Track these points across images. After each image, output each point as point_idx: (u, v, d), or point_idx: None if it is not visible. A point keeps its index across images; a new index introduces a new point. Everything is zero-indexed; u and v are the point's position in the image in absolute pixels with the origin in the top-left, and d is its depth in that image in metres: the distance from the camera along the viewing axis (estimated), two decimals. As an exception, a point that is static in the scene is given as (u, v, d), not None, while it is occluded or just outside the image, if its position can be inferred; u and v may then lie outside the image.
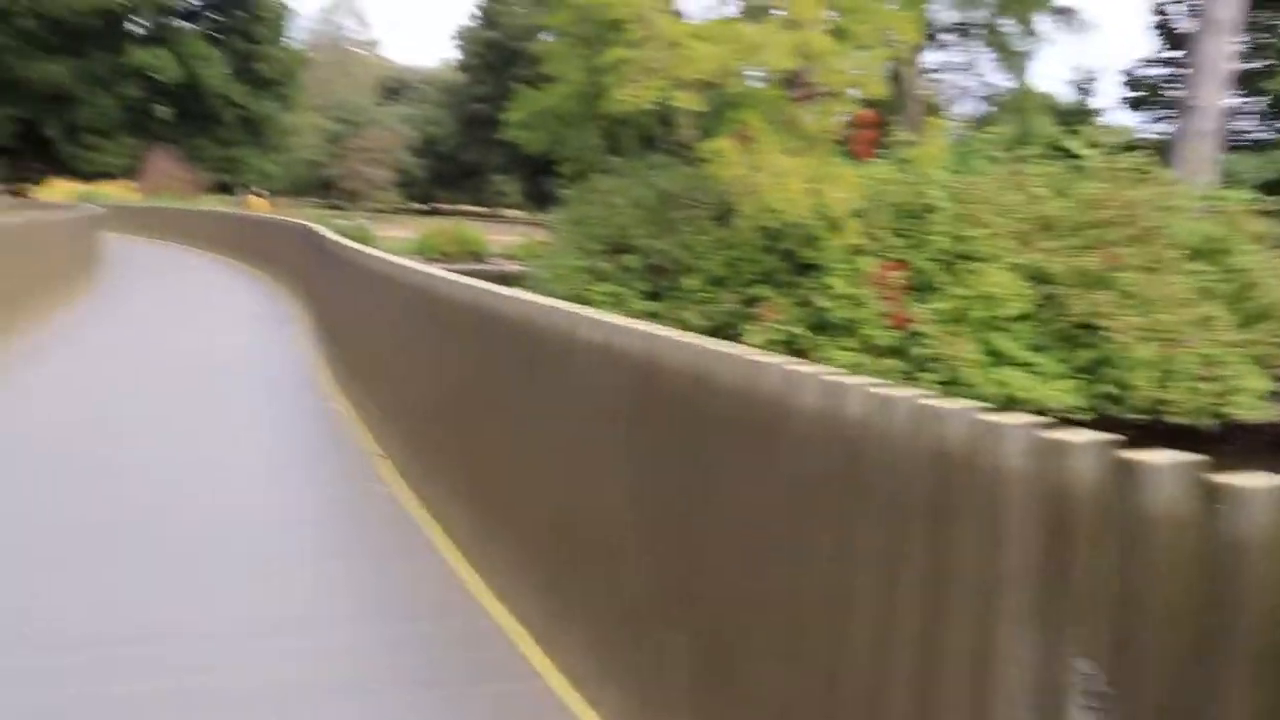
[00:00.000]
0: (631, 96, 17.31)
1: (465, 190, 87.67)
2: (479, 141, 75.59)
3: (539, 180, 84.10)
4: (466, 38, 77.76)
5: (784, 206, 17.17)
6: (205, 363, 11.82)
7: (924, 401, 2.17)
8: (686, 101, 17.49)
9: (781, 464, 2.58)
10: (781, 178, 17.09)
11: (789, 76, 18.81)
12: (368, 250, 9.04)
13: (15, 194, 57.11)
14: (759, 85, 19.45)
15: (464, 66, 79.03)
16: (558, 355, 4.01)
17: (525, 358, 4.40)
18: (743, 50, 17.82)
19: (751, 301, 19.75)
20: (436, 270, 6.81)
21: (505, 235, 57.70)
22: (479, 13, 77.80)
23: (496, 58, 73.65)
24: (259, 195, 51.88)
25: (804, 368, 2.53)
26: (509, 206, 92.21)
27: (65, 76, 59.05)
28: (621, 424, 3.45)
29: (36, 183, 58.85)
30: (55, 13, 58.11)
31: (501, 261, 49.43)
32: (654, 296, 21.17)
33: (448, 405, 5.78)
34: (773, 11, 19.39)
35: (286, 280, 19.26)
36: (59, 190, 50.01)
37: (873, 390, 2.32)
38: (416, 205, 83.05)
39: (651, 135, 26.25)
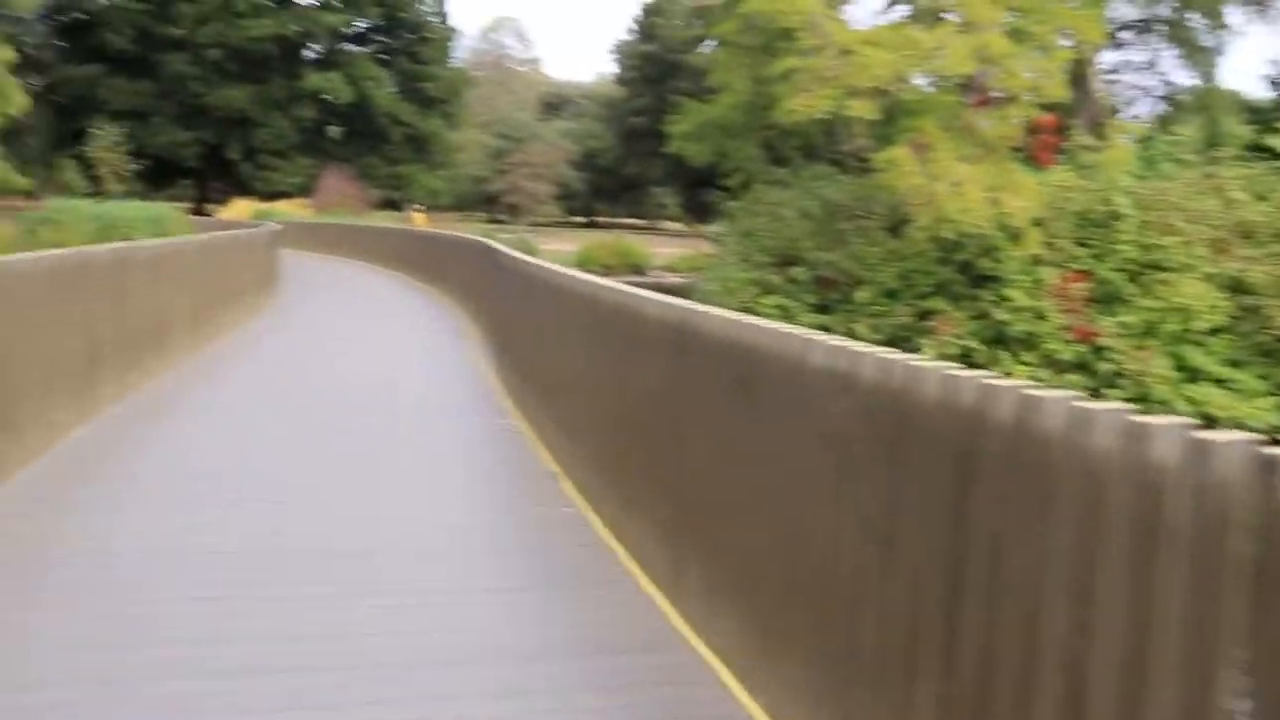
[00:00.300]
0: (803, 106, 16.99)
1: (624, 203, 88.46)
2: (638, 155, 76.16)
3: (698, 193, 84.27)
4: (624, 52, 78.50)
5: (961, 216, 16.62)
6: (381, 376, 11.97)
7: (1260, 449, 1.87)
8: (860, 110, 17.07)
9: (1064, 506, 2.29)
10: (959, 186, 16.54)
11: (965, 81, 18.22)
12: (547, 265, 8.99)
13: (198, 213, 59.97)
14: (933, 91, 18.91)
15: (622, 80, 79.80)
16: (777, 376, 3.78)
17: (735, 377, 4.18)
18: (918, 56, 17.33)
19: (925, 315, 19.19)
20: (627, 286, 6.67)
21: (665, 248, 57.89)
22: (636, 27, 78.45)
23: (655, 71, 74.11)
24: (418, 210, 53.18)
25: (1095, 405, 2.25)
26: (668, 219, 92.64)
27: (246, 102, 61.78)
28: (856, 452, 3.20)
29: (219, 202, 61.71)
30: (238, 43, 60.88)
31: (663, 274, 49.58)
32: (823, 309, 20.77)
33: (637, 425, 5.60)
34: (946, 15, 18.82)
35: (456, 294, 19.50)
36: (239, 209, 52.22)
37: (1186, 434, 2.02)
38: (575, 219, 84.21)
39: (815, 145, 25.82)
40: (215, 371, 11.43)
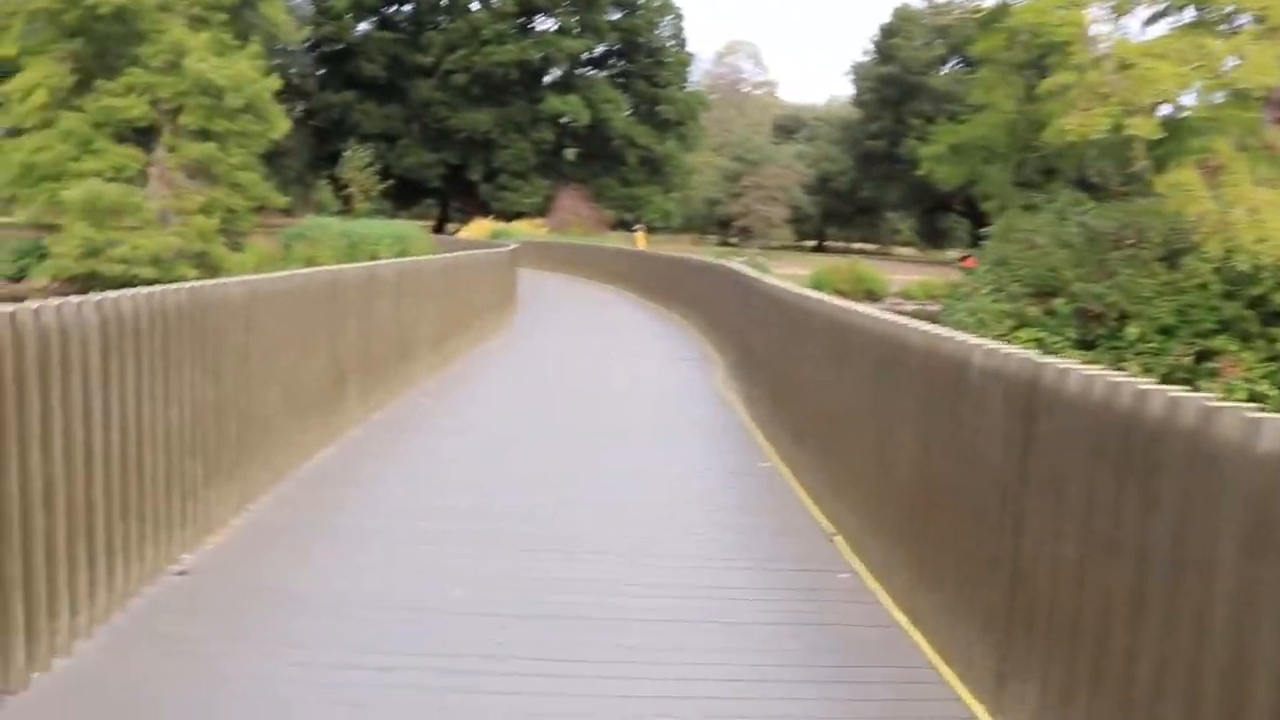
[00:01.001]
0: (1078, 126, 15.61)
1: (857, 227, 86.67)
2: (873, 178, 74.44)
3: (935, 217, 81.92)
4: (861, 74, 76.90)
5: (1258, 246, 14.86)
6: (626, 401, 11.39)
7: None
8: (1141, 129, 15.55)
9: None
10: (1256, 213, 14.79)
11: (1266, 94, 16.38)
12: (816, 295, 8.18)
13: (439, 231, 61.97)
14: (1226, 106, 17.10)
15: (859, 102, 78.18)
16: (1179, 453, 2.86)
17: (1110, 450, 3.25)
18: (1208, 67, 15.66)
19: (1206, 354, 17.39)
20: (917, 322, 5.80)
21: (900, 274, 56.00)
22: (874, 48, 76.73)
23: (893, 93, 72.29)
24: (639, 230, 53.32)
25: None
26: (900, 244, 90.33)
27: (488, 124, 63.54)
28: None
29: (460, 221, 63.65)
30: (482, 68, 62.71)
31: (900, 301, 47.89)
32: (1086, 345, 19.19)
33: (946, 490, 4.70)
34: (1239, 20, 17.00)
35: (696, 318, 18.85)
36: (477, 228, 53.54)
37: None
38: (805, 242, 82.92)
39: (1062, 170, 24.15)
40: (455, 394, 11.08)
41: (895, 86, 71.90)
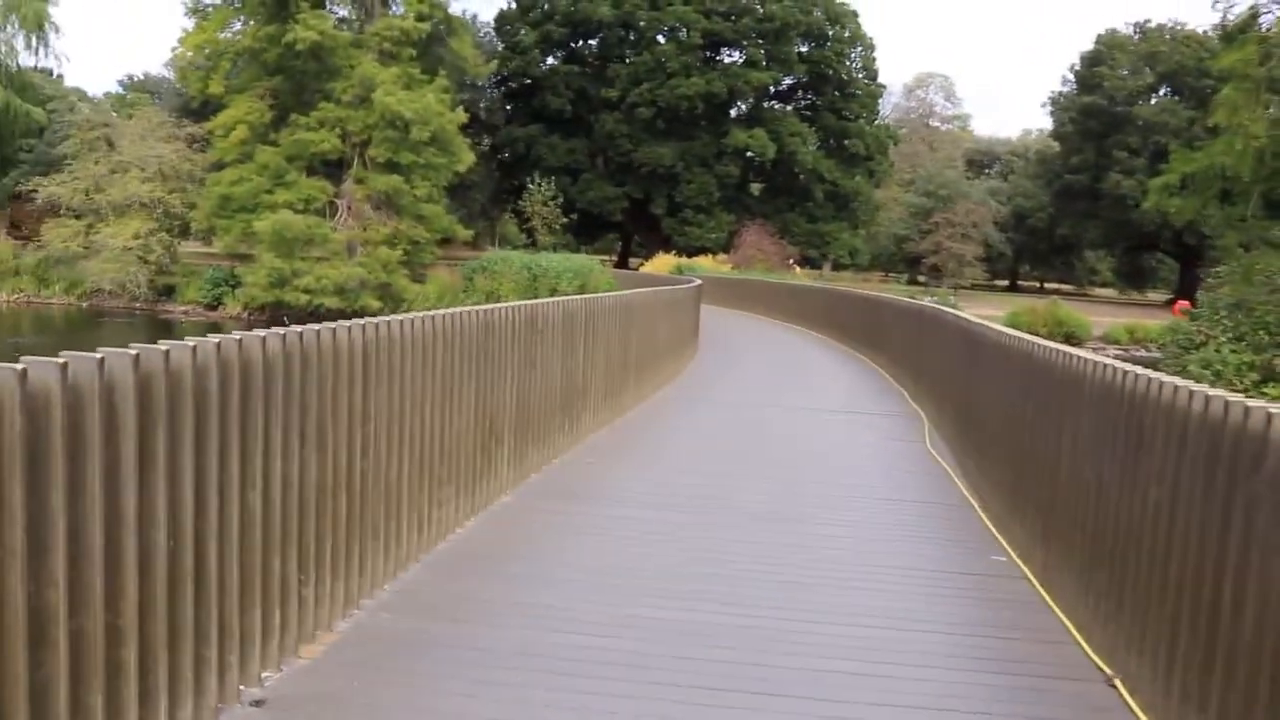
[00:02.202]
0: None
1: (1052, 266, 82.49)
2: (1072, 214, 70.63)
3: (1137, 256, 77.21)
4: (1061, 105, 73.15)
5: None
6: (821, 467, 9.79)
7: None
8: None
9: None
10: None
11: None
12: (1053, 345, 6.52)
13: (621, 265, 61.39)
14: None
15: (1058, 135, 74.36)
16: None
17: None
18: None
19: None
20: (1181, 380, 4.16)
21: (1100, 315, 52.48)
22: (1074, 78, 72.92)
23: (1095, 124, 68.41)
24: (795, 265, 51.61)
25: None
26: (1098, 285, 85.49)
27: (672, 158, 62.76)
28: None
29: (642, 255, 63.00)
30: (667, 101, 62.04)
31: (1104, 346, 44.63)
32: (1348, 403, 16.51)
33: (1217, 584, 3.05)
34: None
35: (900, 369, 17.08)
36: (660, 263, 52.66)
37: None
38: (998, 282, 79.25)
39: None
40: (621, 462, 9.62)
41: (1098, 118, 68.02)
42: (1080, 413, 5.62)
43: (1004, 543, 7.09)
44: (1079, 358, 5.67)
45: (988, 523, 7.63)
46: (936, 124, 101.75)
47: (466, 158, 45.01)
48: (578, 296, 10.16)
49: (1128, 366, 4.98)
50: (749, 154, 64.26)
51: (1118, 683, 4.77)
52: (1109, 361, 5.25)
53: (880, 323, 19.62)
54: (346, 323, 5.06)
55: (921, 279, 64.66)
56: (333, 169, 43.84)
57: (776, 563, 6.45)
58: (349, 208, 43.30)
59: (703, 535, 7.06)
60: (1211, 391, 4.03)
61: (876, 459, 10.38)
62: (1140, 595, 4.63)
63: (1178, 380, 4.43)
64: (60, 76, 72.54)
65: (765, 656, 4.94)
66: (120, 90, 76.89)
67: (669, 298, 15.83)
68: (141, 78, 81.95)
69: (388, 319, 5.51)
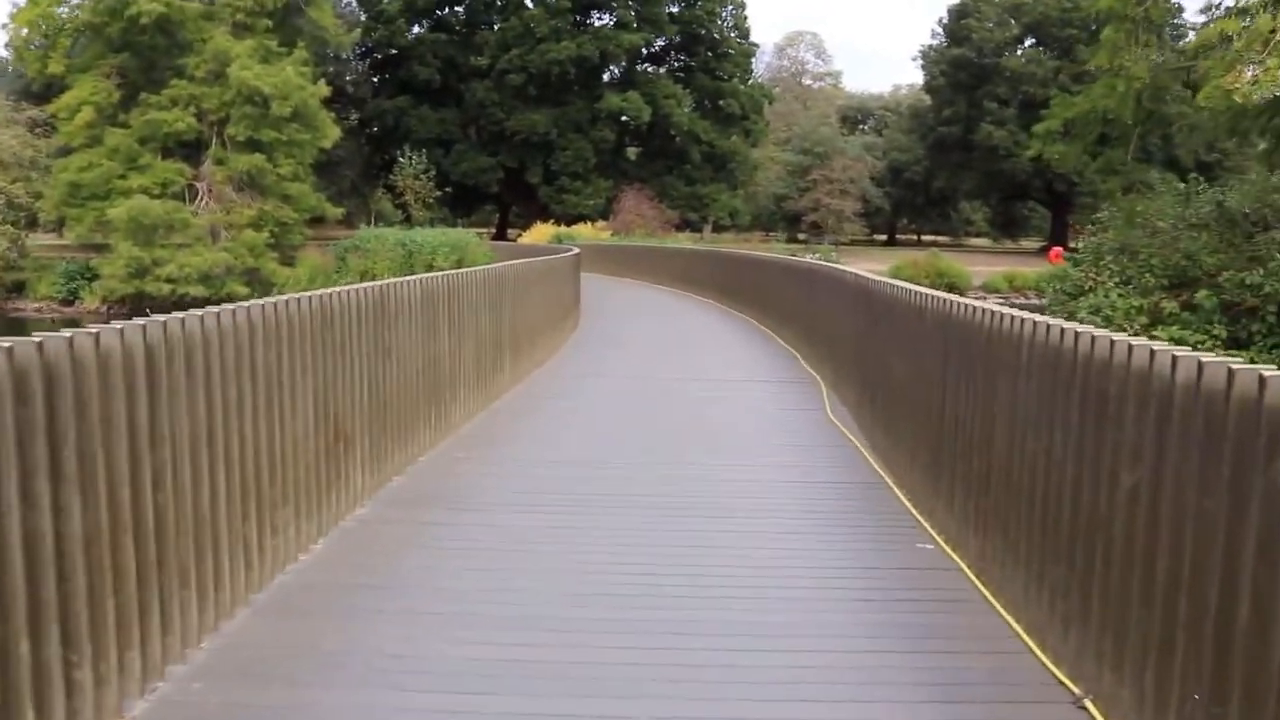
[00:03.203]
0: (1241, 86, 12.94)
1: (929, 219, 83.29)
2: (947, 166, 71.24)
3: (1010, 206, 78.34)
4: (931, 58, 73.52)
5: None
6: (715, 446, 8.94)
7: None
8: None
9: None
10: None
11: None
12: (977, 304, 5.77)
13: (500, 237, 60.02)
14: None
15: (930, 89, 74.82)
16: None
17: None
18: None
19: (1399, 350, 14.65)
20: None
21: (978, 265, 52.88)
22: (943, 31, 73.35)
23: (966, 77, 68.92)
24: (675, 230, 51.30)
25: None
26: (974, 235, 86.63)
27: (546, 125, 61.36)
28: None
29: (520, 226, 61.62)
30: (538, 67, 60.54)
31: (984, 295, 44.86)
32: (1239, 344, 16.47)
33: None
34: None
35: (790, 331, 16.37)
36: (538, 233, 51.47)
37: None
38: (877, 236, 79.71)
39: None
40: (494, 454, 8.63)
41: (967, 70, 68.53)
42: (1018, 378, 4.84)
43: (928, 527, 6.31)
44: (1013, 317, 4.88)
45: (907, 504, 6.85)
46: (809, 82, 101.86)
47: (331, 133, 43.17)
48: (437, 273, 9.09)
49: (1079, 327, 4.18)
50: (624, 118, 63.21)
51: (1089, 704, 4.00)
52: (1054, 321, 4.46)
53: (766, 283, 18.88)
54: (121, 324, 4.00)
55: (802, 237, 64.53)
56: (190, 150, 41.61)
57: (669, 573, 5.55)
58: (210, 190, 41.20)
59: (584, 541, 6.13)
60: (1207, 357, 3.24)
61: (776, 433, 9.54)
62: (1115, 596, 3.85)
63: (1149, 342, 3.64)
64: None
65: (661, 705, 4.05)
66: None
67: (544, 268, 14.82)
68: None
69: (182, 315, 4.45)
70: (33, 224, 43.61)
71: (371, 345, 6.96)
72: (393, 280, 7.60)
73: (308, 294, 5.95)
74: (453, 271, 9.37)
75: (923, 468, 6.61)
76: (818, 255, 39.23)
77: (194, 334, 4.50)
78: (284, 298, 5.60)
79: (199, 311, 4.64)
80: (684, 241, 48.04)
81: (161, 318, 4.29)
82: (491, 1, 64.11)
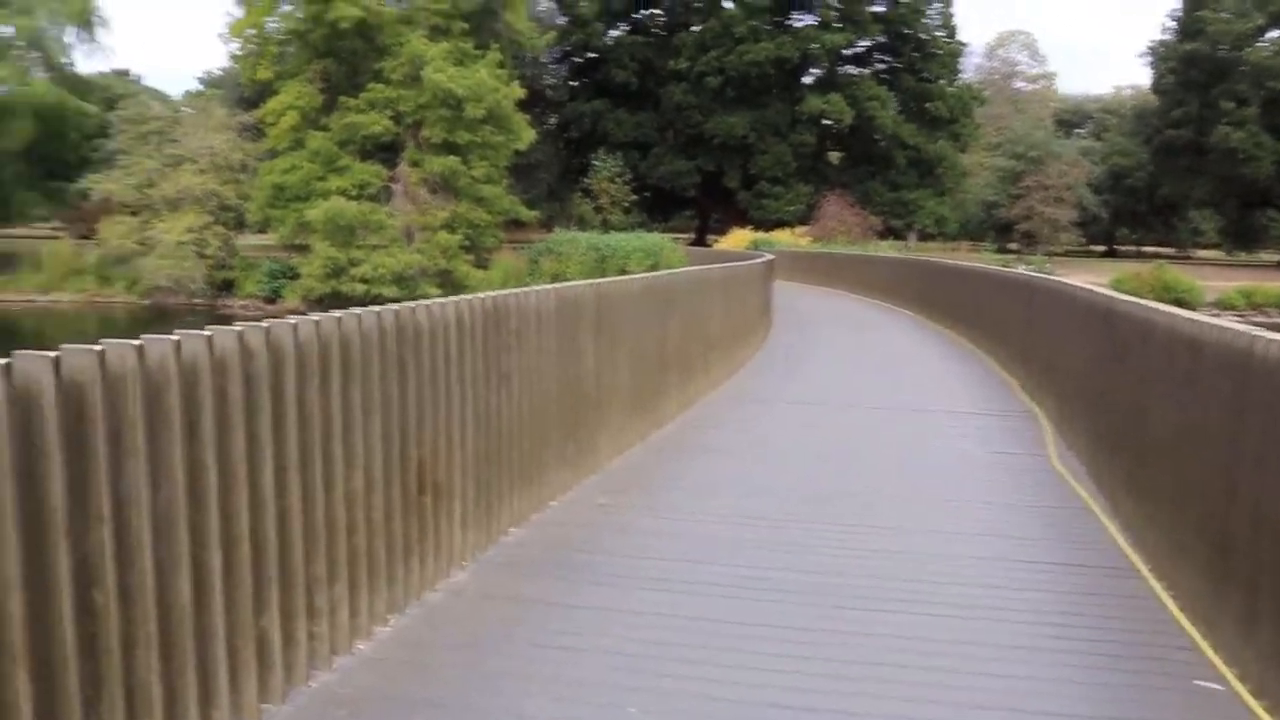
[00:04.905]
0: None
1: (1151, 229, 77.69)
2: (1174, 172, 66.18)
3: (1248, 214, 72.09)
4: (1161, 55, 68.42)
5: None
6: (921, 504, 7.27)
7: None
8: None
9: None
10: None
11: None
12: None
13: (698, 243, 58.88)
14: None
15: (1157, 88, 69.66)
16: None
17: None
18: None
19: None
20: None
21: (1210, 280, 48.48)
22: (1176, 25, 68.14)
23: (1199, 73, 63.77)
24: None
25: None
26: (1202, 246, 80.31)
27: (744, 128, 59.88)
28: None
29: (718, 231, 60.32)
30: (736, 69, 59.14)
31: (1217, 312, 40.90)
32: None
33: None
34: None
35: (997, 349, 14.44)
36: (736, 238, 50.06)
37: None
38: (1094, 247, 74.83)
39: None
40: (647, 500, 7.21)
41: (1201, 66, 63.42)
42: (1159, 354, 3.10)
43: (1212, 655, 4.53)
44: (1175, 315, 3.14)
45: (1173, 610, 5.05)
46: (1021, 84, 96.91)
47: (526, 135, 42.85)
48: (583, 282, 7.72)
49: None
50: (825, 121, 61.10)
51: None
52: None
53: (977, 298, 16.87)
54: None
55: (1013, 247, 60.94)
56: (387, 152, 41.99)
57: (854, 706, 4.00)
58: (405, 192, 41.42)
59: (736, 641, 4.62)
60: None
61: (989, 486, 7.63)
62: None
63: None
64: (138, 78, 72.08)
65: None
66: (200, 87, 75.92)
67: (724, 276, 13.31)
68: (220, 73, 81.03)
69: (206, 332, 3.20)
70: (241, 225, 44.86)
71: (482, 369, 5.64)
72: (515, 290, 6.27)
73: (387, 308, 4.67)
74: (598, 281, 7.99)
75: (1200, 563, 4.82)
76: (1031, 267, 36.54)
77: (196, 360, 3.24)
78: (343, 312, 4.31)
79: (200, 332, 3.39)
80: (886, 250, 45.76)
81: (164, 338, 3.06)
82: (689, 2, 63.05)
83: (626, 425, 8.49)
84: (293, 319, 3.93)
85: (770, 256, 23.03)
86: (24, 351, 2.82)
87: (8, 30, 46.04)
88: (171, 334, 3.34)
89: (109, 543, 2.99)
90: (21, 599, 2.74)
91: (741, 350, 14.45)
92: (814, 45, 60.18)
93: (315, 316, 4.09)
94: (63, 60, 48.50)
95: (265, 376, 3.70)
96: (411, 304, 4.93)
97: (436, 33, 40.81)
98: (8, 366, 2.69)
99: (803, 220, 54.44)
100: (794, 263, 36.79)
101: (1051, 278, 12.48)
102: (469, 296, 5.58)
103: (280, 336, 3.81)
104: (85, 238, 46.20)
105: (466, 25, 41.58)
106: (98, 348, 2.94)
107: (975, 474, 8.07)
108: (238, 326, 3.59)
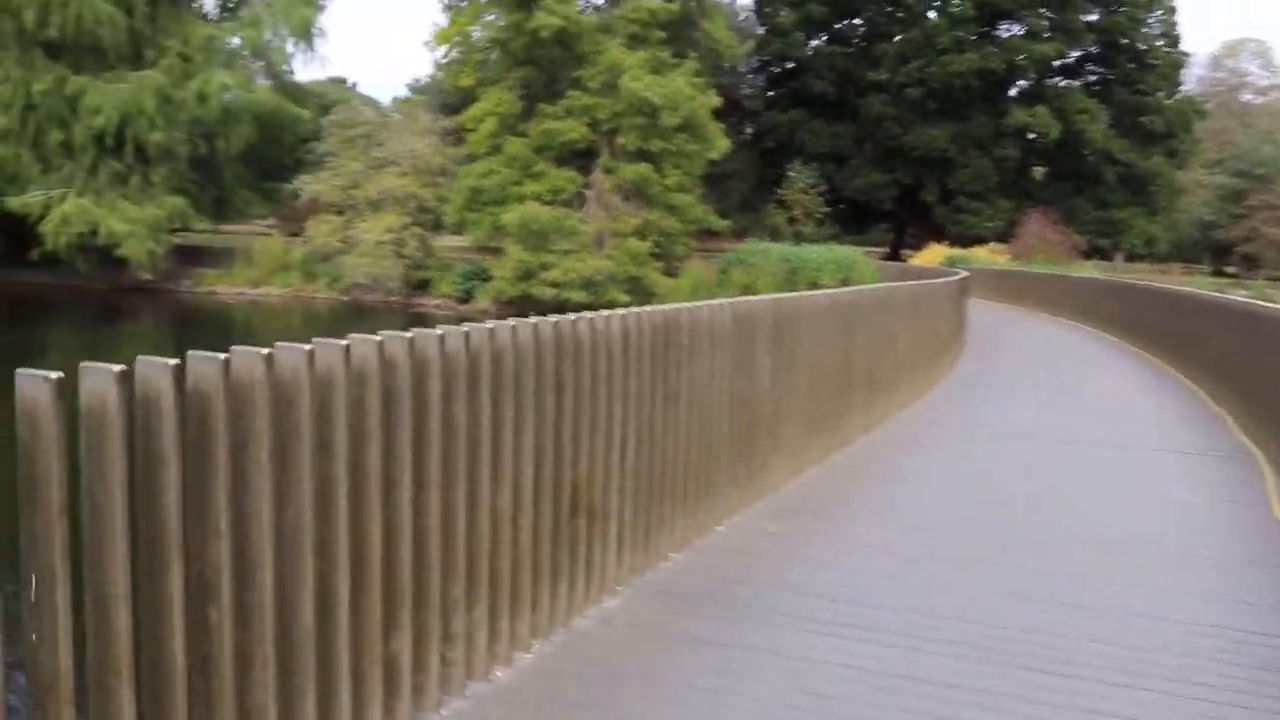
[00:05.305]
0: None
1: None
2: None
3: None
4: None
5: None
6: (1121, 556, 6.60)
7: None
8: None
9: None
10: None
11: None
12: None
13: (892, 257, 57.59)
14: None
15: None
16: None
17: None
18: None
19: None
20: None
21: None
22: None
23: None
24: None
25: None
26: None
27: (945, 141, 58.25)
28: None
29: (913, 246, 58.86)
30: (938, 80, 57.60)
31: None
32: None
33: None
34: None
35: (1215, 384, 13.37)
36: (931, 254, 48.73)
37: None
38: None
39: None
40: (821, 527, 6.82)
41: None
42: None
43: None
44: None
45: None
46: (1250, 96, 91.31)
47: (721, 144, 42.69)
48: (761, 297, 7.39)
49: None
50: (1030, 134, 58.84)
51: None
52: None
53: (1185, 324, 15.72)
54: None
55: (1230, 270, 57.33)
56: (582, 159, 42.49)
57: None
58: (597, 198, 41.82)
59: (936, 693, 4.19)
60: None
61: (1206, 553, 6.56)
62: None
63: None
64: (353, 85, 75.41)
65: None
66: (409, 94, 78.94)
67: (913, 293, 12.72)
68: (427, 80, 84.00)
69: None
70: (438, 226, 46.18)
71: (647, 386, 5.38)
72: (687, 305, 5.98)
73: (544, 320, 4.45)
74: (777, 296, 7.63)
75: None
76: (1249, 293, 34.19)
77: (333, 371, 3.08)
78: (496, 323, 4.11)
79: (333, 341, 3.22)
80: (1091, 270, 43.66)
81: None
82: (891, 12, 61.75)
83: (803, 447, 8.10)
84: (440, 329, 3.74)
85: (965, 274, 22.15)
86: (196, 352, 2.80)
87: (235, 41, 48.70)
88: (350, 334, 3.19)
89: (227, 559, 2.83)
90: (127, 612, 2.60)
91: (930, 372, 13.82)
92: (1021, 56, 58.08)
93: (465, 327, 3.89)
94: (283, 69, 50.96)
95: (407, 389, 3.51)
96: (572, 316, 4.70)
97: (635, 41, 41.07)
98: (126, 372, 2.55)
99: (1001, 237, 52.55)
100: (991, 281, 35.46)
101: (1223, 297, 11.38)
102: (636, 310, 5.31)
103: (425, 347, 3.62)
104: (294, 235, 48.42)
105: (664, 34, 41.70)
106: (222, 356, 2.79)
107: (1189, 522, 7.33)
108: (378, 335, 3.41)
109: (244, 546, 2.92)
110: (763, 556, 5.98)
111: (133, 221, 42.67)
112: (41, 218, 42.22)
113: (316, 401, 3.13)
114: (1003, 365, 16.95)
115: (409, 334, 3.56)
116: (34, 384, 2.39)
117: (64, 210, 42.07)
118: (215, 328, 36.95)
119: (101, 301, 41.62)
